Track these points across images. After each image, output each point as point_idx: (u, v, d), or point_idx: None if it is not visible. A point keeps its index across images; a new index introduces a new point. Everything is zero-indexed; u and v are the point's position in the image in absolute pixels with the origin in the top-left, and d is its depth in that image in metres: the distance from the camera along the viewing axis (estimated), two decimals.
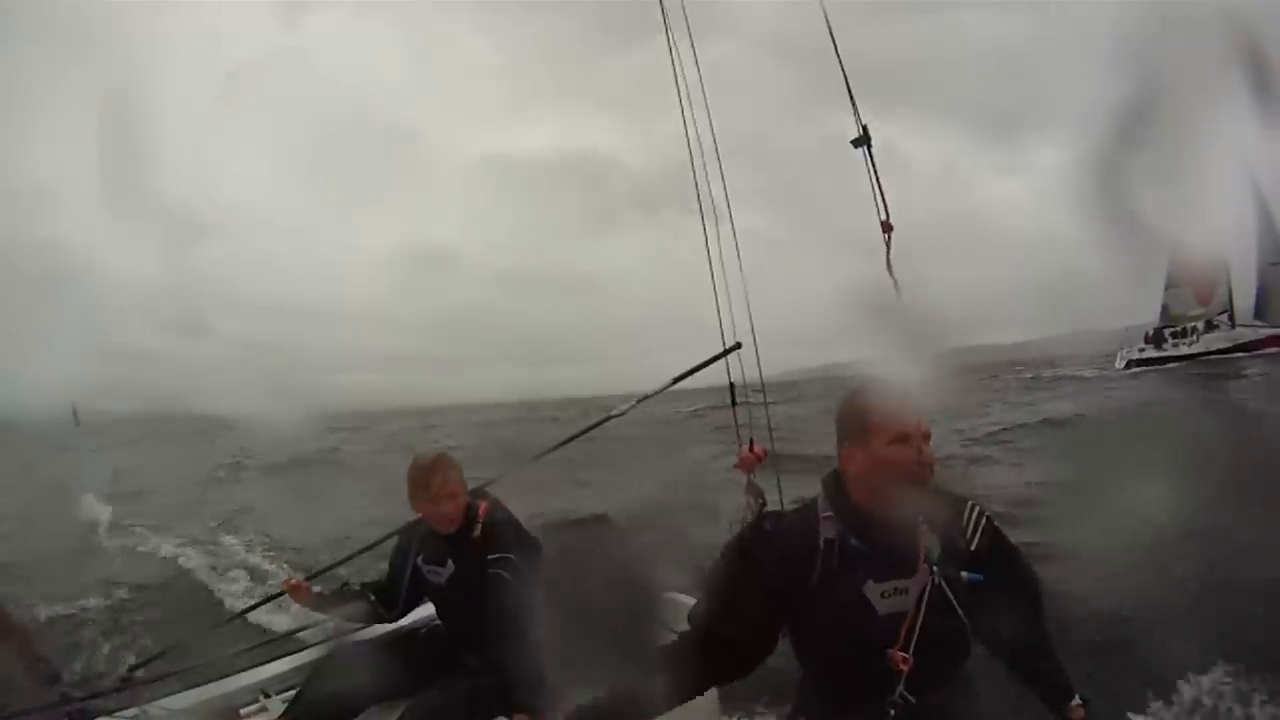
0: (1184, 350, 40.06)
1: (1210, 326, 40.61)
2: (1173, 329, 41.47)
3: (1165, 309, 41.98)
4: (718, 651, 1.97)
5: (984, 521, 2.01)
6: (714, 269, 3.00)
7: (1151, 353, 41.61)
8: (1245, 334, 38.91)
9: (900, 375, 1.89)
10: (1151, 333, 42.40)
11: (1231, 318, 40.40)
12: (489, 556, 2.99)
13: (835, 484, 2.00)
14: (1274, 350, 36.48)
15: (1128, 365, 42.14)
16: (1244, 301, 40.16)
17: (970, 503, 2.05)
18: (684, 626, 2.17)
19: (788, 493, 2.94)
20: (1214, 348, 38.81)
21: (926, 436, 1.90)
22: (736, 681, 2.08)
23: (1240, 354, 37.02)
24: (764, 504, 2.88)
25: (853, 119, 2.64)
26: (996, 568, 1.98)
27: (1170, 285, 41.25)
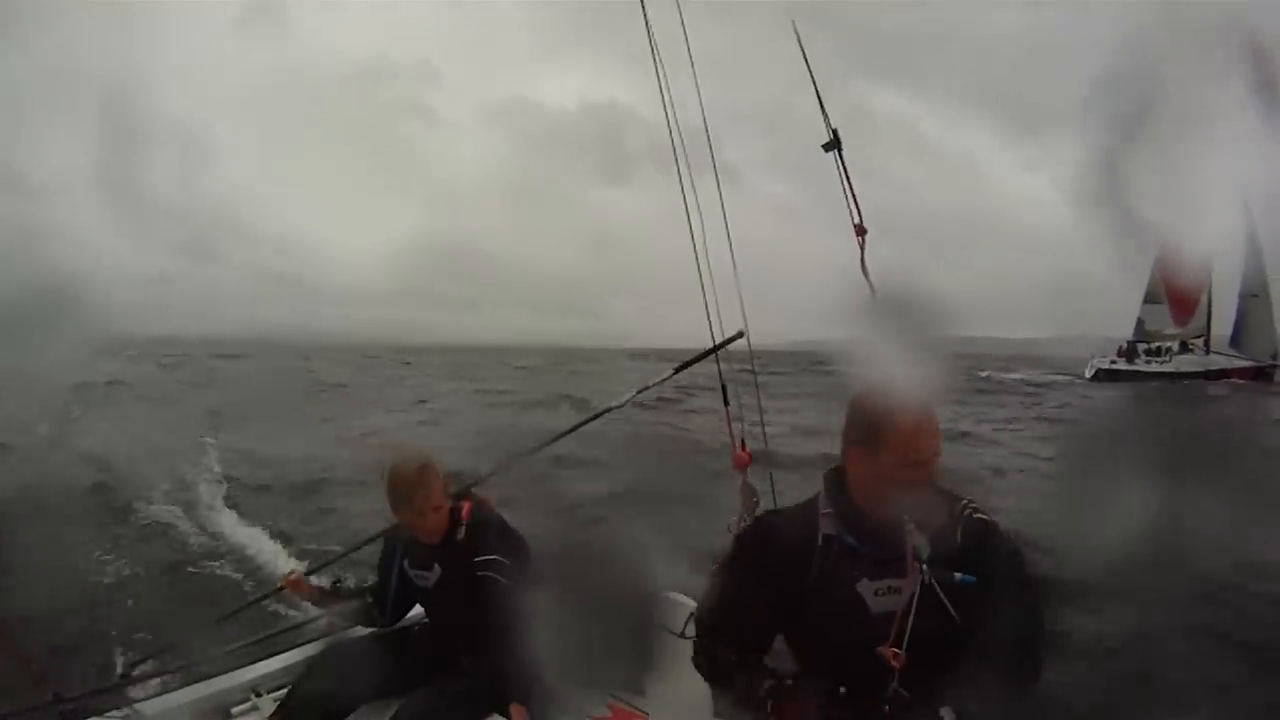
0: (1154, 368, 40.15)
1: (1185, 348, 40.54)
2: (1146, 345, 41.66)
3: (1140, 323, 42.09)
4: (720, 647, 2.07)
5: (967, 515, 2.00)
6: (698, 239, 3.11)
7: (1122, 366, 41.80)
8: (1219, 361, 38.83)
9: (891, 363, 1.85)
10: (1125, 346, 42.60)
11: (1207, 343, 40.38)
12: (476, 559, 2.97)
13: (837, 481, 2.02)
14: (1244, 381, 36.71)
15: (1096, 375, 42.44)
16: (1221, 330, 40.22)
17: (963, 501, 2.03)
18: (678, 625, 2.48)
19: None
20: (1185, 369, 38.80)
21: (936, 437, 1.89)
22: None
23: (1210, 380, 37.24)
24: (758, 502, 2.92)
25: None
26: (981, 560, 1.93)
27: (1149, 300, 41.49)
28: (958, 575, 1.87)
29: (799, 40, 2.77)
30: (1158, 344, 41.18)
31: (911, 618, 1.84)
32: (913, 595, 1.86)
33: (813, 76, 2.74)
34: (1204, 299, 39.91)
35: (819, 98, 2.68)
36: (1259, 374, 37.08)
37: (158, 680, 3.43)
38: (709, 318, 3.13)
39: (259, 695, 3.26)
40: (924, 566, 1.86)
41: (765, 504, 3.01)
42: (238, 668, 3.37)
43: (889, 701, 1.85)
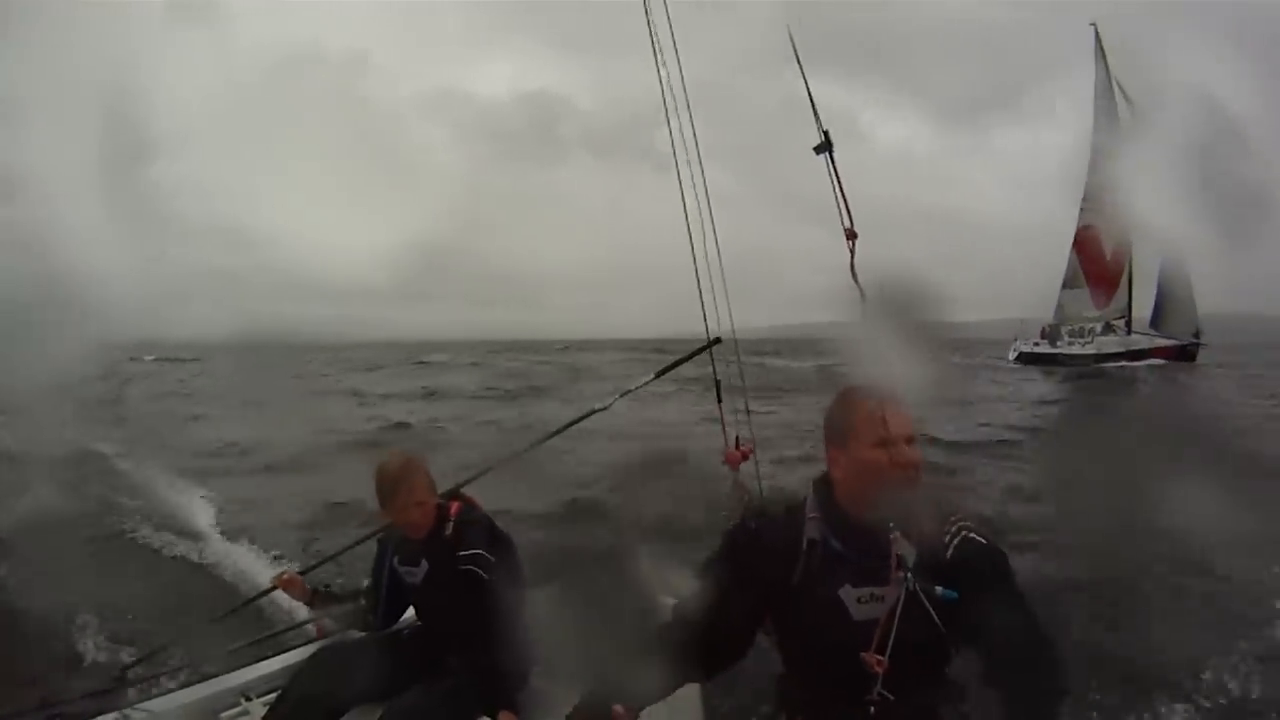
0: (1076, 350, 41.24)
1: (1107, 329, 41.74)
2: (1069, 328, 42.69)
3: (1060, 308, 43.32)
4: (694, 647, 2.01)
5: (960, 536, 1.93)
6: (694, 230, 3.05)
7: (1045, 348, 42.78)
8: (1140, 341, 40.06)
9: (878, 364, 1.86)
10: (1047, 328, 43.61)
11: (1129, 324, 41.59)
12: (460, 553, 3.00)
13: (825, 486, 2.02)
14: (1163, 361, 37.98)
15: (1018, 357, 43.36)
16: (1140, 311, 41.58)
17: (955, 517, 1.98)
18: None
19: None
20: (1106, 350, 40.04)
21: (910, 439, 1.90)
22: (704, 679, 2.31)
23: (1131, 360, 38.37)
24: (750, 501, 2.91)
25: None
26: (969, 581, 1.87)
27: (1067, 285, 42.68)
28: (939, 590, 1.84)
29: (793, 44, 2.64)
30: (1080, 325, 42.32)
31: (895, 625, 1.82)
32: (896, 603, 1.85)
33: (805, 79, 2.58)
34: (1124, 281, 41.27)
35: (811, 100, 2.53)
36: (1181, 353, 38.46)
37: (146, 685, 3.43)
38: (703, 310, 3.15)
39: (249, 699, 3.25)
40: (908, 575, 1.85)
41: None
42: (227, 672, 3.37)
43: (873, 704, 1.84)
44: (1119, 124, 40.95)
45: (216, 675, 3.33)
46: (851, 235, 2.39)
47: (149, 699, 3.18)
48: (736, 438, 3.08)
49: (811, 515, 1.99)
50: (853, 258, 2.37)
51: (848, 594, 1.91)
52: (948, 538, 1.93)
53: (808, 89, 2.58)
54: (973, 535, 1.94)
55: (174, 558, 7.66)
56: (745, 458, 3.03)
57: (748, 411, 3.24)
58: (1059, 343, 42.65)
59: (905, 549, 1.87)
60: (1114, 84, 41.22)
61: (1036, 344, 43.49)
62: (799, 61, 2.63)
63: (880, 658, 1.82)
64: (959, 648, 1.94)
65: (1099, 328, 41.84)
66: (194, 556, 7.62)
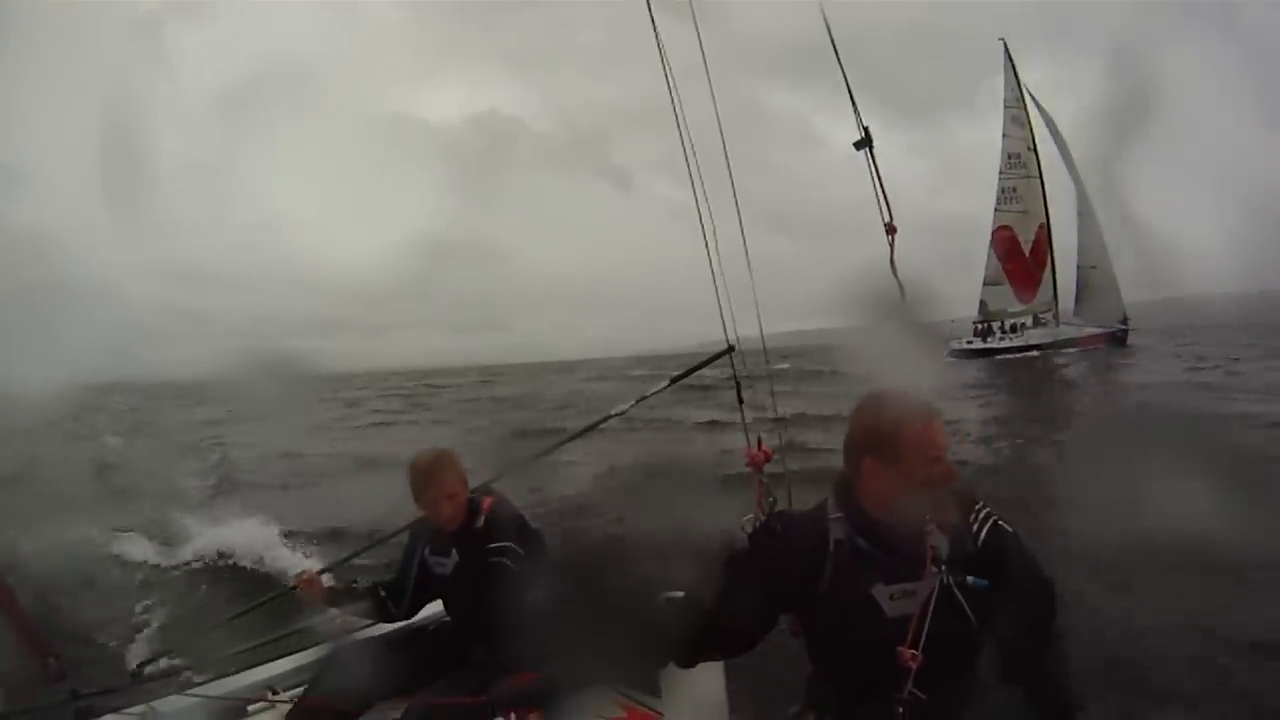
0: (1009, 343, 42.84)
1: (1037, 322, 43.88)
2: (1000, 323, 44.10)
3: (983, 305, 44.66)
4: (707, 637, 2.04)
5: (989, 523, 1.97)
6: (710, 241, 2.93)
7: (978, 344, 43.91)
8: (1068, 330, 42.33)
9: (899, 361, 1.92)
10: (979, 326, 44.75)
11: (1056, 315, 43.74)
12: (490, 546, 3.07)
13: (846, 488, 2.00)
14: (1093, 346, 40.14)
15: (951, 354, 44.19)
16: (1067, 303, 43.71)
17: (979, 504, 2.01)
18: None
19: None
20: (1037, 342, 41.99)
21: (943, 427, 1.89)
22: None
23: (1062, 349, 40.15)
24: (774, 501, 2.80)
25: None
26: (998, 569, 1.92)
27: (988, 283, 44.04)
28: (970, 579, 1.86)
29: (829, 32, 2.72)
30: (1012, 321, 44.25)
31: (929, 620, 1.82)
32: (930, 597, 1.85)
33: (846, 79, 2.67)
34: (1046, 275, 42.98)
35: (852, 99, 2.62)
36: (1111, 338, 40.74)
37: (174, 678, 3.50)
38: (722, 318, 3.04)
39: (275, 693, 3.29)
40: (942, 568, 1.85)
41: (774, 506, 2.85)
42: (254, 666, 3.43)
43: (904, 703, 1.84)
44: (1029, 130, 42.97)
45: (240, 671, 3.38)
46: (891, 230, 2.53)
47: (176, 692, 3.24)
48: (759, 438, 2.96)
49: (834, 516, 1.98)
50: (893, 252, 2.49)
51: (880, 592, 1.90)
52: (975, 526, 1.96)
53: (847, 85, 2.66)
54: (1001, 523, 1.98)
55: None
56: (768, 458, 2.89)
57: (776, 415, 3.21)
58: (990, 339, 43.91)
59: (939, 541, 1.87)
60: (1024, 91, 43.28)
61: (970, 341, 44.47)
62: (837, 55, 2.68)
63: (915, 652, 1.81)
64: (988, 639, 1.95)
65: (1029, 321, 43.85)
66: None
